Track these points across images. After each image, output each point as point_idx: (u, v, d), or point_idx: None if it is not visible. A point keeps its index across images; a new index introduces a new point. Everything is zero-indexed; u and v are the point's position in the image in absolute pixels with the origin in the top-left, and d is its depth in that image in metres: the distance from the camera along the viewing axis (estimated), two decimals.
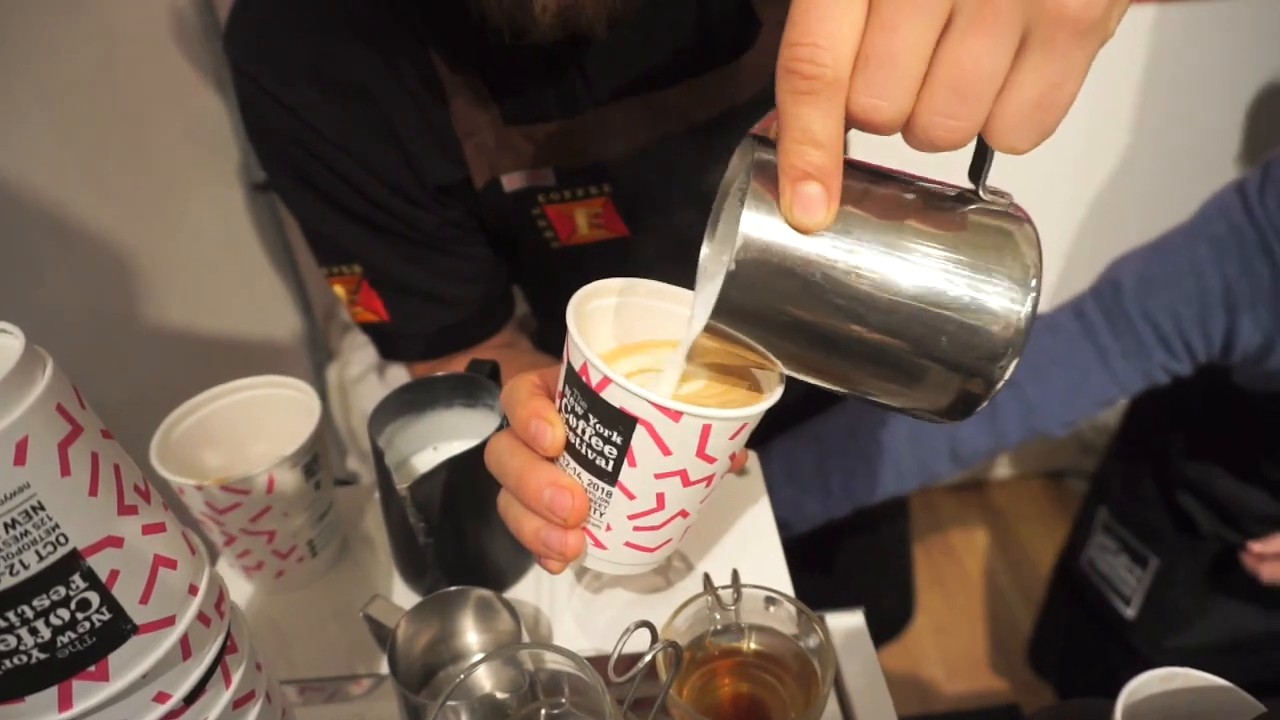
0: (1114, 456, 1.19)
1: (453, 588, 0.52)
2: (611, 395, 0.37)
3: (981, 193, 0.34)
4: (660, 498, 0.41)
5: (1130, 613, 1.09)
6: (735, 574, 0.55)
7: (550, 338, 0.85)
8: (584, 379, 0.38)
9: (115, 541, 0.34)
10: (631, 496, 0.40)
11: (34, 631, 0.32)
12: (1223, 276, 0.82)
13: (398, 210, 0.68)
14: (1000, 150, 0.31)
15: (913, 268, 0.32)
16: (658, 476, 0.39)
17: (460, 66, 0.62)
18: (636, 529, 0.42)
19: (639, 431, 0.38)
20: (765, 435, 0.97)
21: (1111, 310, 0.87)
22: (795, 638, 0.53)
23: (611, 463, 0.39)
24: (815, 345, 0.34)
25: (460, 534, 0.59)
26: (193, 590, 0.38)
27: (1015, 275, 0.33)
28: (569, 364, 0.40)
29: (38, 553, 0.31)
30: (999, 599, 1.98)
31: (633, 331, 0.46)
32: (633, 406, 0.37)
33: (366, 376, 1.45)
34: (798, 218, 0.32)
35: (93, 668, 0.34)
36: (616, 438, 0.38)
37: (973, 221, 0.33)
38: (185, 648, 0.37)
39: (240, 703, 0.41)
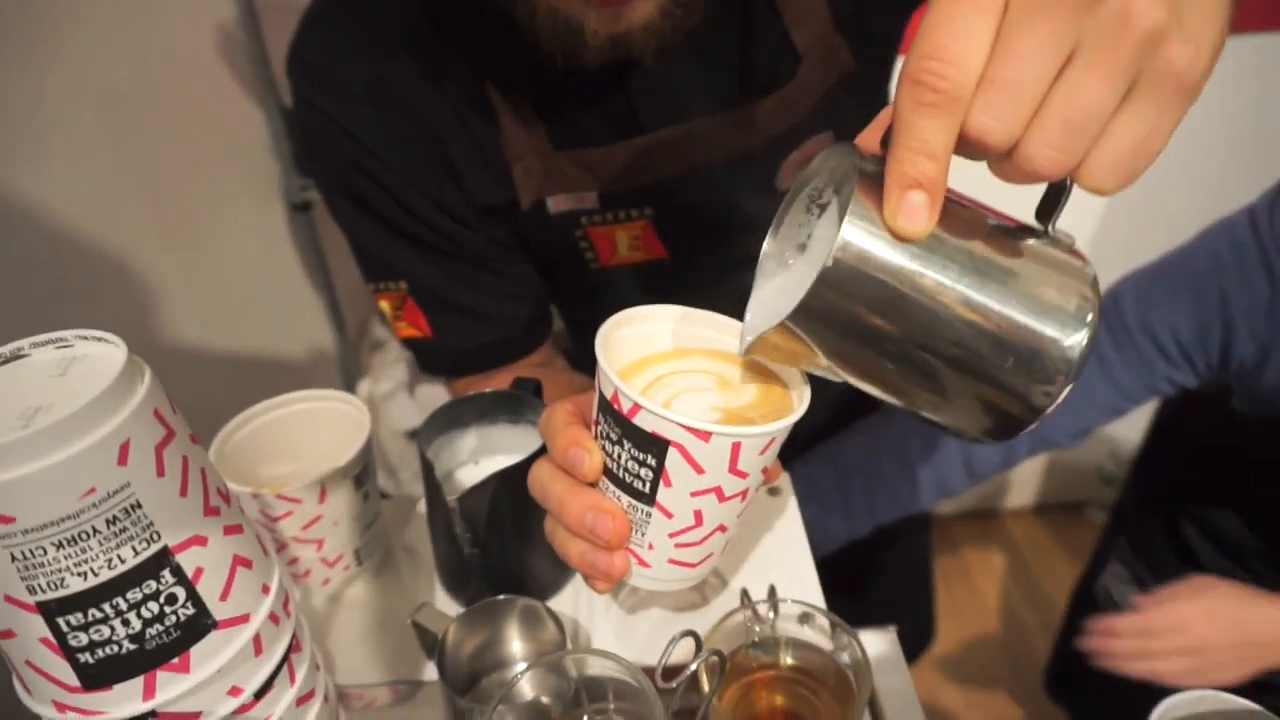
0: (1130, 487, 1.20)
1: (500, 596, 0.54)
2: (643, 421, 0.39)
3: (1051, 230, 0.36)
4: (698, 515, 0.42)
5: None
6: (772, 589, 0.56)
7: (585, 356, 0.87)
8: (615, 407, 0.40)
9: (201, 540, 0.36)
10: (670, 515, 0.42)
11: (126, 623, 0.34)
12: (1220, 290, 0.83)
13: (445, 229, 0.70)
14: (1087, 189, 0.32)
15: (993, 289, 0.34)
16: (694, 495, 0.41)
17: (511, 91, 0.64)
18: (678, 546, 0.44)
19: (672, 453, 0.39)
20: (786, 454, 0.99)
21: (1112, 323, 0.88)
22: (831, 653, 0.55)
23: (648, 484, 0.41)
24: (886, 355, 0.35)
25: (504, 546, 0.60)
26: (265, 590, 0.40)
27: (1078, 310, 0.35)
28: (600, 393, 0.41)
29: (134, 548, 0.33)
30: (1017, 628, 1.97)
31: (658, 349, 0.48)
32: (664, 430, 0.39)
33: (397, 393, 1.47)
34: (901, 224, 0.32)
35: (176, 660, 0.36)
36: (651, 460, 0.40)
37: (1043, 254, 0.35)
38: (257, 645, 0.39)
39: (302, 700, 0.43)
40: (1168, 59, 0.29)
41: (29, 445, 0.30)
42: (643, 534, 0.43)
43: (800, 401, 0.42)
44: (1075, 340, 0.34)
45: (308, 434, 0.67)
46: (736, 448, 0.39)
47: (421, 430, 0.62)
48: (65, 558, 0.32)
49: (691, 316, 0.47)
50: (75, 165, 0.83)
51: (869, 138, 0.37)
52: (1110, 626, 0.87)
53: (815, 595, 0.65)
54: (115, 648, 0.34)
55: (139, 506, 0.33)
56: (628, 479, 0.42)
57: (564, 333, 0.95)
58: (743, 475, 0.41)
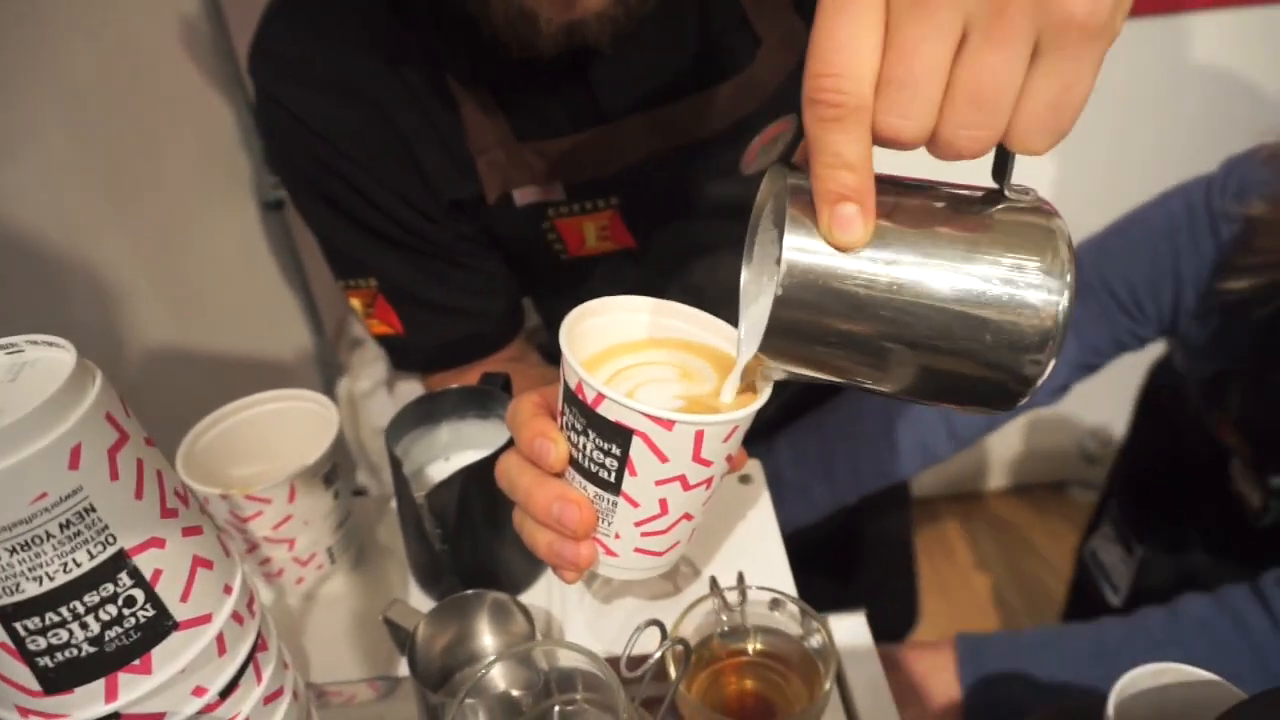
0: (1123, 455, 1.21)
1: (469, 591, 0.54)
2: (607, 410, 0.40)
3: (1007, 192, 0.36)
4: (663, 503, 0.43)
5: (1116, 601, 1.10)
6: (740, 576, 0.57)
7: (559, 349, 0.87)
8: (580, 397, 0.41)
9: (159, 542, 0.36)
10: (636, 504, 0.43)
11: (84, 626, 0.34)
12: (1173, 248, 0.86)
13: (412, 224, 0.70)
14: (1019, 153, 0.33)
15: (950, 273, 0.34)
16: (658, 483, 0.41)
17: (472, 83, 0.64)
18: (644, 535, 0.44)
19: (636, 442, 0.40)
20: (774, 428, 0.99)
21: None
22: (799, 638, 0.55)
23: (613, 474, 0.42)
24: (865, 358, 0.36)
25: (475, 540, 0.61)
26: (227, 590, 0.40)
27: (1049, 269, 0.34)
28: (565, 383, 0.42)
29: (89, 551, 0.34)
30: (1002, 606, 1.99)
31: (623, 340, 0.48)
32: (628, 419, 0.39)
33: (376, 391, 1.47)
34: (837, 238, 0.33)
35: (137, 661, 0.36)
36: (616, 450, 0.41)
37: (1001, 221, 0.35)
38: (220, 644, 0.39)
39: (270, 699, 0.43)
40: (1064, 10, 0.29)
41: None
42: (609, 523, 0.44)
43: (763, 390, 0.43)
44: (1051, 302, 0.34)
45: (278, 434, 0.67)
46: (700, 436, 0.40)
47: (390, 427, 0.62)
48: (19, 563, 0.32)
49: (659, 308, 0.47)
50: (38, 165, 0.82)
51: (803, 153, 0.37)
52: None
53: (786, 582, 0.65)
54: (75, 651, 0.34)
55: (93, 510, 0.33)
56: (593, 468, 0.42)
57: (539, 327, 0.96)
58: (706, 464, 0.41)
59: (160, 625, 0.36)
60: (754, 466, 0.75)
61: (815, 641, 0.54)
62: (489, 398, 0.65)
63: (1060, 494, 2.21)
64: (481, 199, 0.69)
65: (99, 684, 0.35)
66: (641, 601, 0.65)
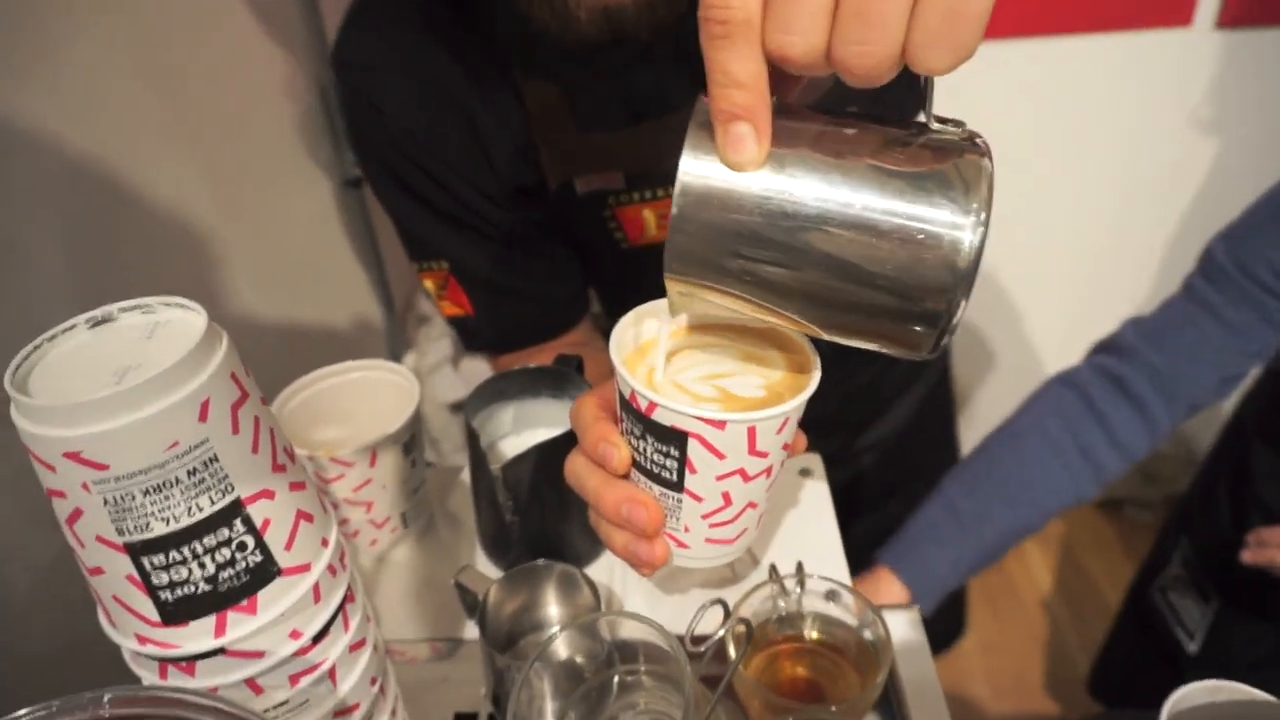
0: (1197, 483, 1.17)
1: (539, 561, 0.57)
2: (661, 416, 0.41)
3: (933, 124, 0.34)
4: (726, 496, 0.44)
5: (1193, 648, 1.08)
6: (800, 565, 0.59)
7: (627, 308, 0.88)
8: (634, 405, 0.42)
9: (269, 494, 0.39)
10: (700, 499, 0.44)
11: (202, 566, 0.37)
12: None
13: (482, 210, 0.73)
14: (921, 72, 0.31)
15: (852, 200, 0.33)
16: (719, 479, 0.43)
17: (536, 74, 0.67)
18: (712, 526, 0.46)
19: (692, 443, 0.41)
20: (835, 425, 0.98)
21: (1210, 273, 0.85)
22: (855, 629, 0.57)
23: (674, 473, 0.43)
24: (768, 285, 0.35)
25: (543, 513, 0.63)
26: (324, 543, 0.43)
27: (961, 203, 0.32)
28: (620, 393, 0.44)
29: (210, 498, 0.36)
30: (1050, 622, 1.97)
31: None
32: (681, 423, 0.41)
33: (441, 367, 1.51)
34: (730, 157, 0.33)
35: (244, 602, 0.39)
36: (674, 451, 0.42)
37: (919, 153, 0.33)
38: (316, 593, 0.42)
39: (355, 647, 0.46)
40: None
41: (122, 401, 0.33)
42: (677, 519, 0.46)
43: (812, 377, 0.43)
44: (958, 238, 0.32)
45: (357, 402, 0.70)
46: (752, 432, 0.41)
47: (468, 402, 0.65)
48: (151, 504, 0.35)
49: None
50: (137, 139, 0.86)
51: None
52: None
53: (841, 572, 0.67)
54: (192, 588, 0.37)
55: (216, 460, 0.36)
56: (655, 469, 0.44)
57: (601, 314, 0.98)
58: (763, 455, 0.43)
59: (267, 570, 0.39)
60: (814, 460, 0.77)
61: (871, 633, 0.55)
62: (563, 378, 0.67)
63: (1116, 513, 2.18)
64: (545, 186, 0.71)
65: (210, 620, 0.38)
66: (700, 584, 0.67)
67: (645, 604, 0.65)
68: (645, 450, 0.44)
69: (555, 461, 0.61)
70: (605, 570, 0.68)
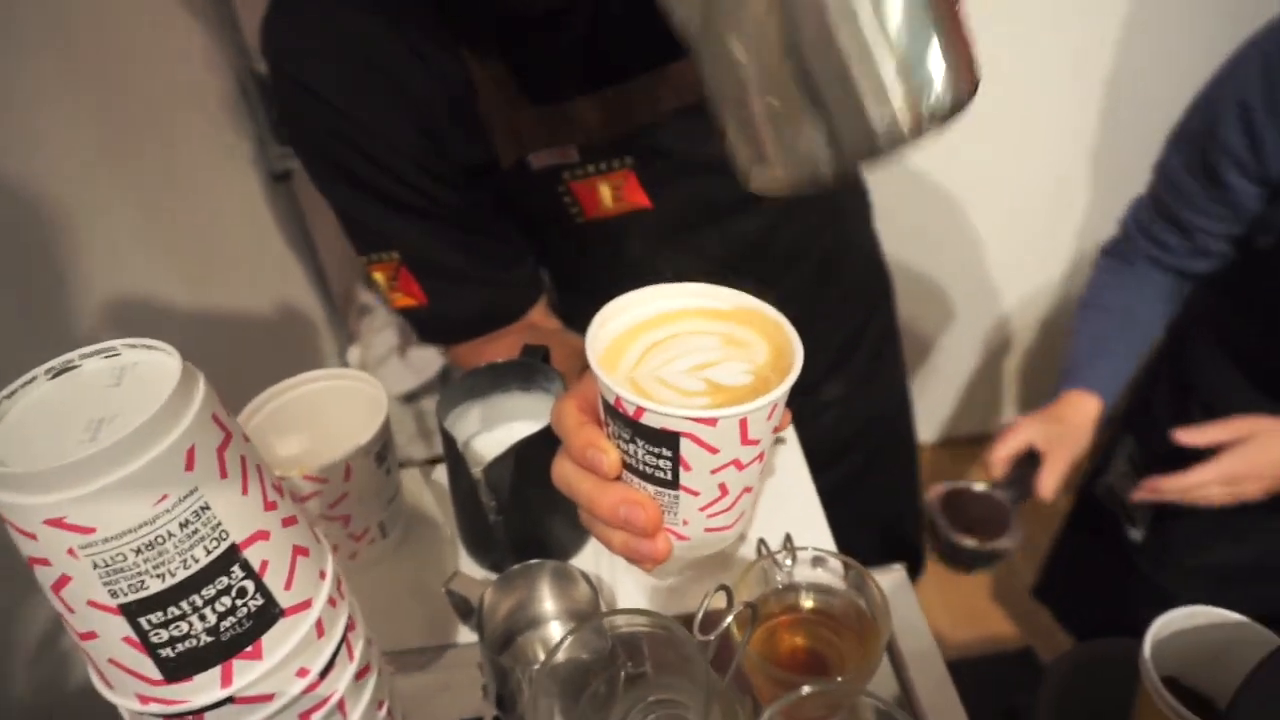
0: (1141, 383, 1.23)
1: (533, 561, 0.56)
2: (650, 420, 0.40)
3: None
4: (723, 487, 0.44)
5: (1137, 536, 1.13)
6: (788, 537, 0.59)
7: (573, 314, 0.87)
8: (620, 410, 0.41)
9: (264, 535, 0.37)
10: (696, 494, 0.44)
11: (203, 618, 0.36)
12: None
13: (430, 192, 0.70)
14: None
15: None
16: (714, 472, 0.42)
17: (485, 51, 0.64)
18: (711, 516, 0.45)
19: (684, 443, 0.41)
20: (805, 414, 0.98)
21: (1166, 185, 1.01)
22: (848, 594, 0.58)
23: (669, 473, 0.43)
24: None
25: (527, 512, 0.62)
26: (322, 575, 0.42)
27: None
28: (604, 399, 0.43)
29: (205, 548, 0.35)
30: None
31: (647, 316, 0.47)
32: (672, 425, 0.40)
33: (388, 358, 1.48)
34: None
35: (250, 648, 0.38)
36: (666, 452, 0.41)
37: None
38: (319, 627, 0.41)
39: (360, 675, 0.45)
40: None
41: (103, 459, 0.31)
42: (675, 514, 0.45)
43: (795, 355, 0.43)
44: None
45: (320, 412, 0.68)
46: (744, 423, 0.41)
47: (438, 405, 0.63)
48: (144, 561, 0.33)
49: (670, 291, 0.47)
50: (51, 139, 0.82)
51: None
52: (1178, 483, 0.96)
53: (825, 538, 0.68)
54: (194, 641, 0.36)
55: (208, 508, 0.35)
56: (648, 470, 0.43)
57: (554, 294, 0.96)
58: (755, 443, 0.43)
59: (269, 613, 0.38)
60: (786, 428, 0.77)
61: (864, 595, 0.56)
62: (532, 371, 0.66)
63: None
64: (496, 165, 0.69)
65: (216, 671, 0.37)
66: (689, 566, 0.67)
67: (636, 591, 0.66)
68: (636, 453, 0.43)
69: (535, 459, 0.60)
70: (592, 560, 0.68)
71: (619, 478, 0.45)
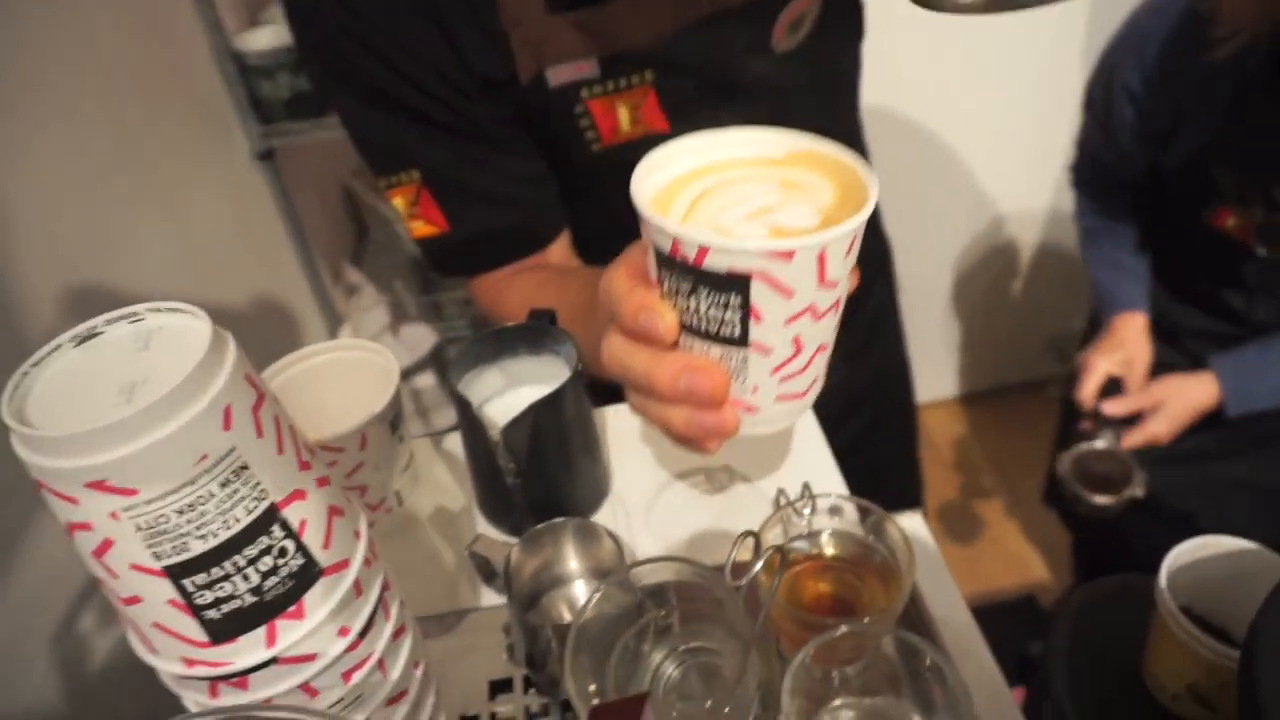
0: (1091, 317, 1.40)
1: (557, 519, 0.56)
2: (715, 262, 0.36)
3: None
4: (797, 342, 0.40)
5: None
6: (806, 485, 0.60)
7: (584, 253, 0.83)
8: (678, 258, 0.37)
9: (300, 494, 0.37)
10: (768, 351, 0.39)
11: (246, 578, 0.36)
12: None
13: (451, 102, 0.68)
14: None
15: None
16: (788, 322, 0.38)
17: None
18: (784, 379, 0.41)
19: (755, 286, 0.36)
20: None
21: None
22: (867, 537, 0.58)
23: (736, 327, 0.38)
24: None
25: (544, 473, 0.63)
26: (357, 535, 0.42)
27: None
28: (657, 249, 0.38)
29: (246, 507, 0.35)
30: (991, 504, 2.07)
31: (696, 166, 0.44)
32: (741, 264, 0.36)
33: (381, 336, 1.47)
34: None
35: (292, 607, 0.38)
36: (734, 300, 0.37)
37: None
38: (358, 587, 0.41)
39: (397, 634, 0.45)
40: None
41: (143, 420, 0.31)
42: (743, 380, 0.41)
43: (869, 185, 0.39)
44: None
45: (328, 386, 0.68)
46: (823, 258, 0.37)
47: (450, 370, 0.63)
48: (187, 522, 0.33)
49: (713, 139, 0.44)
50: (23, 120, 0.80)
51: None
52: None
53: (838, 485, 0.68)
54: (238, 602, 0.36)
55: (246, 468, 0.34)
56: (712, 328, 0.39)
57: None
58: (833, 285, 0.38)
59: (309, 572, 0.38)
60: None
61: (887, 541, 0.57)
62: (539, 333, 0.66)
63: (1040, 392, 2.27)
64: (515, 80, 0.67)
65: (260, 631, 0.37)
66: (706, 517, 0.68)
67: (655, 545, 0.66)
68: (698, 307, 0.38)
69: (552, 419, 0.61)
70: (609, 517, 0.68)
71: (676, 346, 0.41)
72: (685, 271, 0.37)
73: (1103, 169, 1.26)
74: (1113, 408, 1.17)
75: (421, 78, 0.66)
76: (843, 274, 0.38)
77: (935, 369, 2.24)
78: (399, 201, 0.73)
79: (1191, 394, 1.14)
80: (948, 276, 2.06)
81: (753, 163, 0.42)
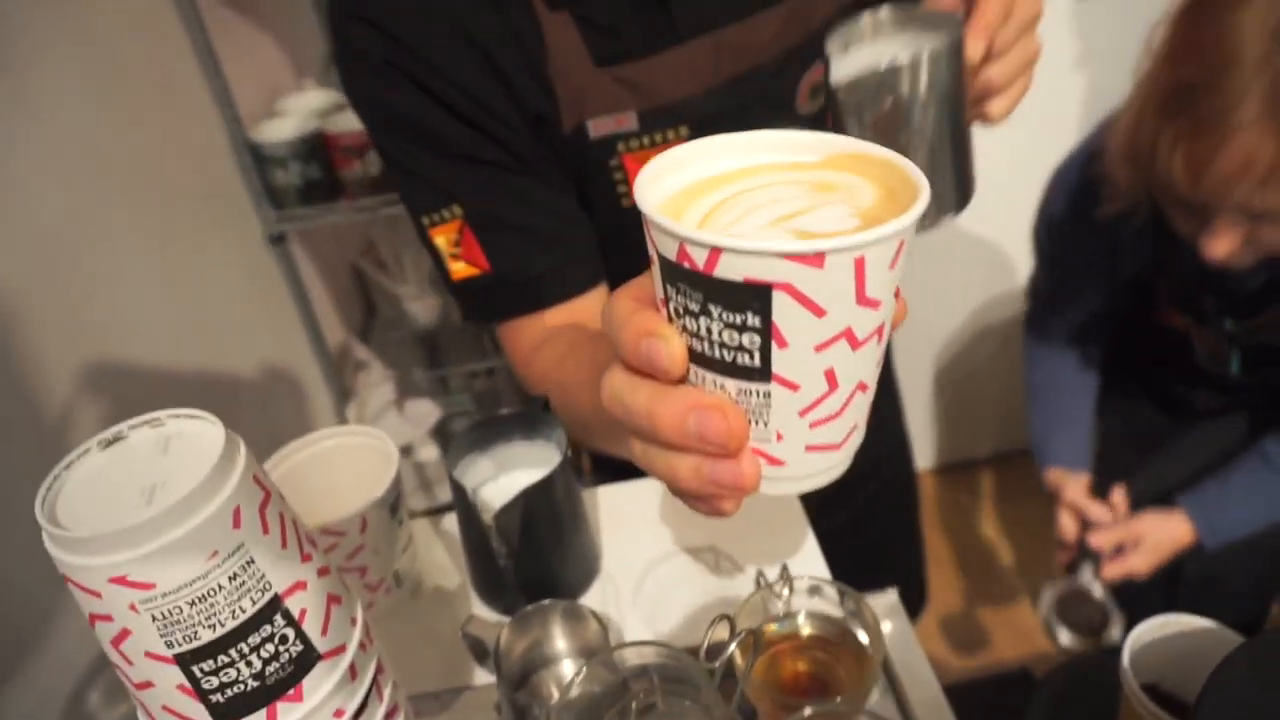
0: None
1: (545, 601, 0.59)
2: (729, 269, 0.30)
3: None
4: (830, 376, 0.32)
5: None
6: (784, 568, 0.62)
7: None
8: (686, 265, 0.31)
9: (302, 585, 0.41)
10: (795, 386, 0.32)
11: (249, 664, 0.39)
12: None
13: (500, 135, 0.69)
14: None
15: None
16: (819, 349, 0.31)
17: (554, 5, 0.66)
18: (814, 425, 0.34)
19: (778, 299, 0.30)
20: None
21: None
22: (844, 620, 0.61)
23: (756, 353, 0.31)
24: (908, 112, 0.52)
25: (536, 555, 0.66)
26: (353, 621, 0.45)
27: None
28: (661, 258, 0.32)
29: (251, 599, 0.38)
30: (996, 573, 2.07)
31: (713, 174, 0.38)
32: (759, 270, 0.29)
33: (385, 411, 1.51)
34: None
35: (292, 691, 0.41)
36: (753, 320, 0.31)
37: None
38: (353, 670, 0.44)
39: (389, 715, 0.48)
40: None
41: (161, 521, 0.35)
42: (765, 423, 0.33)
43: (920, 188, 0.32)
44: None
45: (331, 471, 0.71)
46: (861, 265, 0.30)
47: (448, 455, 0.66)
48: (197, 613, 0.37)
49: (738, 142, 0.38)
50: (49, 203, 0.86)
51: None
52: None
53: (820, 567, 0.71)
54: (242, 686, 0.39)
55: (253, 562, 0.38)
56: (727, 355, 0.32)
57: None
58: (875, 305, 0.31)
59: (308, 658, 0.41)
60: None
61: (859, 620, 0.60)
62: (534, 420, 0.70)
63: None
64: (558, 125, 0.70)
65: (261, 714, 0.40)
66: (693, 597, 0.70)
67: (642, 624, 0.69)
68: (710, 331, 0.32)
69: (542, 504, 0.64)
70: (599, 599, 0.71)
71: (684, 380, 0.35)
72: (694, 283, 0.31)
73: (1058, 308, 1.29)
74: (1096, 540, 1.19)
75: (472, 113, 0.67)
76: (887, 292, 0.32)
77: (930, 436, 2.27)
78: (441, 240, 0.73)
79: (1169, 531, 1.17)
80: (946, 344, 2.10)
81: (783, 167, 0.36)
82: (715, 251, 0.29)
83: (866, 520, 1.09)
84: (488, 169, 0.70)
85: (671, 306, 0.33)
